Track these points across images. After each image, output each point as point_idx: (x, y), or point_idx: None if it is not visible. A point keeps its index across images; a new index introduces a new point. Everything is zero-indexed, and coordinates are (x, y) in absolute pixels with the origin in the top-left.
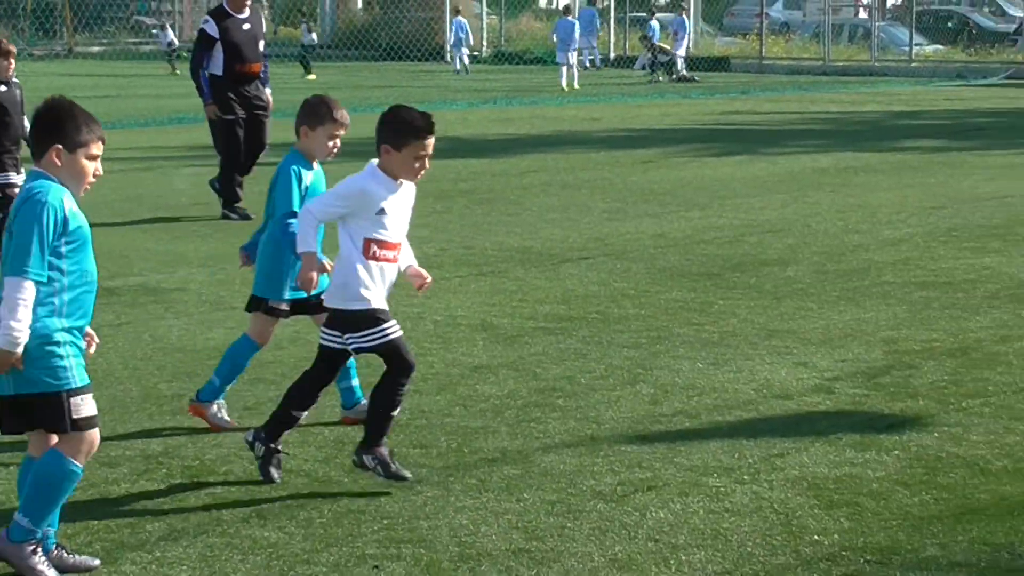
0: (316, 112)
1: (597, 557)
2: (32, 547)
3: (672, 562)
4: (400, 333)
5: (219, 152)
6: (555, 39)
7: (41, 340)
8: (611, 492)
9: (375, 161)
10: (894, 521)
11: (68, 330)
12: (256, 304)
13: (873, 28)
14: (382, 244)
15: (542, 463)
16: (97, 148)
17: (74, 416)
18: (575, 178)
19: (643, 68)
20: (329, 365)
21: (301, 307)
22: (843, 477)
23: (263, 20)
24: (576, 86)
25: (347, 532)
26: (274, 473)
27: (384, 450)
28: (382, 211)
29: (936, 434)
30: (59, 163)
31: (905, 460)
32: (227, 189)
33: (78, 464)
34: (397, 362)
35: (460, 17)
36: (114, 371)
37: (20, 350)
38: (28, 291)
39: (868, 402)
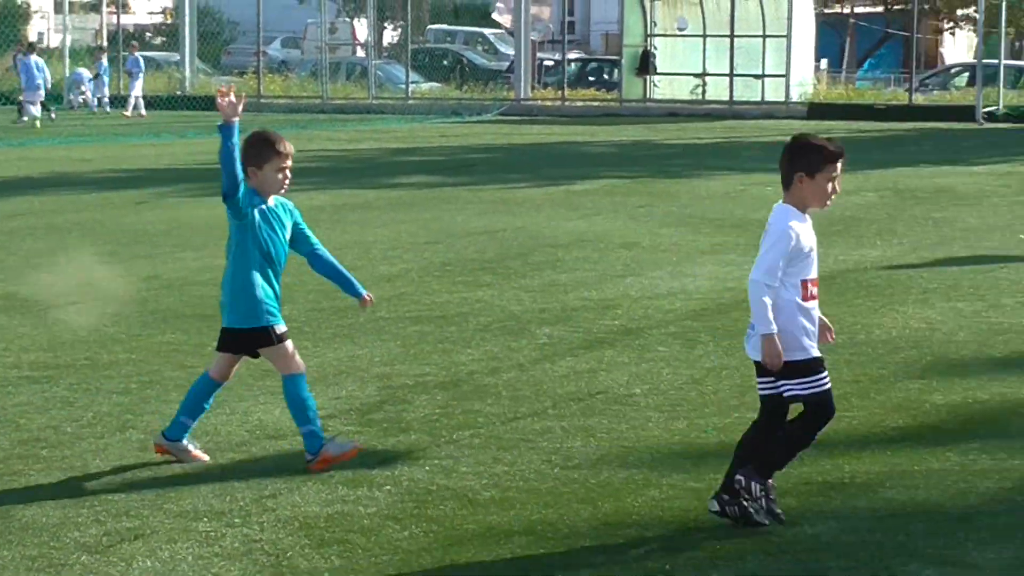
0: (258, 151)
1: None
2: None
3: None
4: (829, 383)
5: None
6: (23, 78)
7: None
8: (96, 543)
9: (778, 203)
10: (384, 556)
11: None
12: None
13: (370, 66)
14: (814, 282)
15: (23, 517)
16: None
17: None
18: (64, 220)
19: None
20: (774, 414)
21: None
22: (334, 515)
23: None
24: (38, 125)
25: None
26: (776, 509)
27: (772, 482)
28: (812, 248)
29: (427, 467)
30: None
31: (396, 494)
32: None
33: None
34: (822, 411)
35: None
36: None
37: None
38: None
39: (361, 438)
